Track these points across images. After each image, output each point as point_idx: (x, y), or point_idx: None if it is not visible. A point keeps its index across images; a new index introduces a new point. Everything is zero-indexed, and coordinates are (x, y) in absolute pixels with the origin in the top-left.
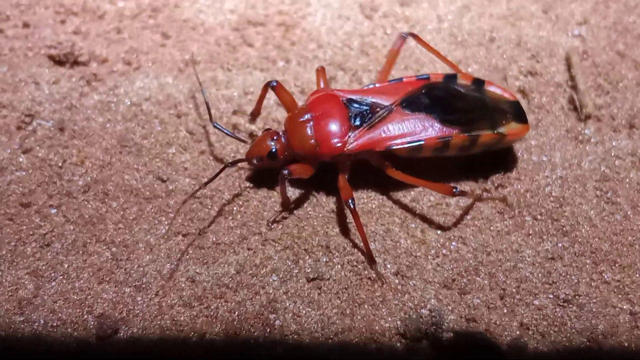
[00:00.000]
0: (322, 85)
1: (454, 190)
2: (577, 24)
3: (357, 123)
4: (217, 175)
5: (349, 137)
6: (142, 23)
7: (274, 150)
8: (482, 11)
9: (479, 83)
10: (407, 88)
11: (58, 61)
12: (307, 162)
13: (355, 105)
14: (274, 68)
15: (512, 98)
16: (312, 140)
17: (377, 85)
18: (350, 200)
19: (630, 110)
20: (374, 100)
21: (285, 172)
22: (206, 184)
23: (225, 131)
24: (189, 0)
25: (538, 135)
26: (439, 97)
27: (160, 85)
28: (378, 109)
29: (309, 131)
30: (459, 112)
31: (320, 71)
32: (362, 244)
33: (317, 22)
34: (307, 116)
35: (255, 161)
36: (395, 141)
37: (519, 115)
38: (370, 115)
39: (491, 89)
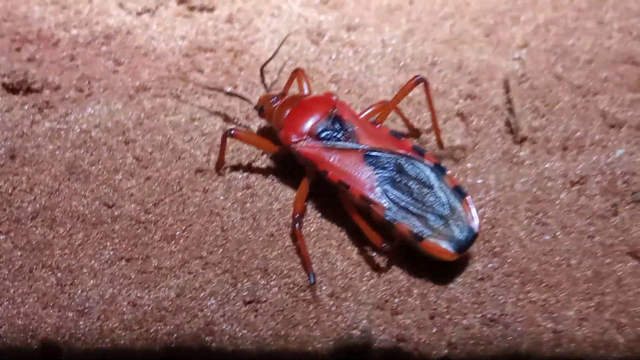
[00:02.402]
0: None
1: (383, 245)
2: (517, 47)
3: (322, 135)
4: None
5: (306, 139)
6: (95, 50)
7: (263, 107)
8: (425, 35)
9: (439, 170)
10: (391, 145)
11: (11, 89)
12: (274, 141)
13: (337, 123)
14: (221, 94)
15: (471, 222)
16: (282, 121)
17: (377, 125)
18: (297, 216)
19: (565, 132)
20: (355, 129)
21: (232, 131)
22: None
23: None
24: (141, 27)
25: (474, 159)
26: (400, 170)
27: (111, 111)
28: (349, 141)
29: (287, 112)
30: (404, 192)
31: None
32: (300, 266)
33: (265, 48)
34: (297, 103)
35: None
36: (333, 172)
37: (459, 243)
38: (337, 139)
39: (455, 192)
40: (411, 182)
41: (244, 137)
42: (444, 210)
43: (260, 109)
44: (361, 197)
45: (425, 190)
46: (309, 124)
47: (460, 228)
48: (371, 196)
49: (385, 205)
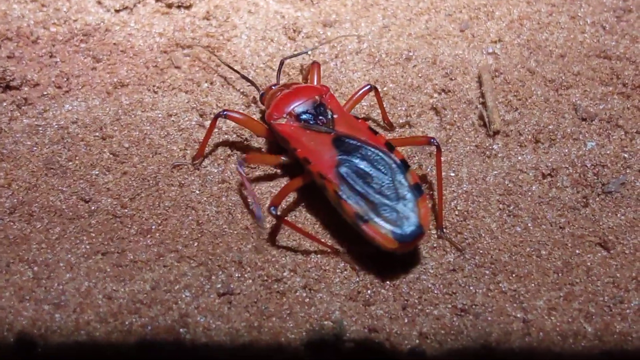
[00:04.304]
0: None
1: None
2: (491, 42)
3: (301, 116)
4: (280, 68)
5: (285, 118)
6: (74, 47)
7: (264, 93)
8: (401, 31)
9: (404, 166)
10: (364, 137)
11: None
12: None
13: (319, 108)
14: (198, 90)
15: (421, 220)
16: (271, 102)
17: (359, 119)
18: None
19: (537, 126)
20: (334, 117)
21: (224, 112)
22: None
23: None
24: (119, 25)
25: (447, 152)
26: (364, 158)
27: (89, 108)
28: (324, 126)
29: (278, 94)
30: (361, 178)
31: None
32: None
33: (242, 44)
34: (291, 88)
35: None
36: (301, 150)
37: (403, 234)
38: (314, 122)
39: (415, 191)
40: (372, 171)
41: (236, 118)
42: (398, 203)
43: (262, 95)
44: (318, 174)
45: (384, 181)
46: (291, 105)
47: (408, 222)
48: (328, 174)
49: (338, 183)
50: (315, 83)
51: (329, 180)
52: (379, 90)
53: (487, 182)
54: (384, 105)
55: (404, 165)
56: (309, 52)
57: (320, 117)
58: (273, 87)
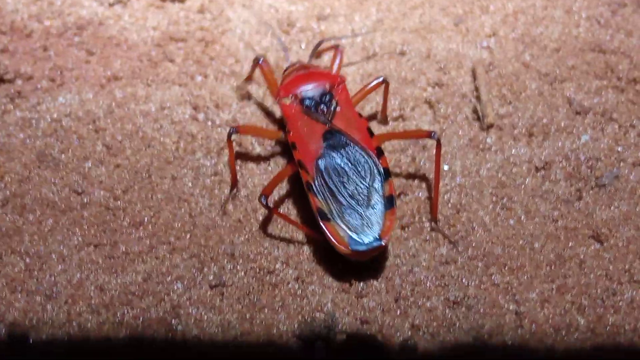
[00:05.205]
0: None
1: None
2: (486, 36)
3: (305, 101)
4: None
5: (290, 98)
6: (68, 41)
7: (285, 72)
8: (395, 25)
9: (385, 175)
10: (357, 136)
11: None
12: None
13: (325, 97)
14: (192, 83)
15: (382, 232)
16: (284, 82)
17: (362, 117)
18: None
19: (531, 119)
20: (337, 110)
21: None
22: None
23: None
24: (113, 18)
25: (441, 145)
26: (348, 158)
27: (82, 101)
28: (324, 116)
29: (293, 75)
30: (338, 175)
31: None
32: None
33: (236, 38)
34: (306, 71)
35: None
36: (293, 133)
37: (360, 244)
38: (315, 109)
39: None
40: (351, 172)
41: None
42: (367, 209)
43: (285, 70)
44: (299, 161)
45: (360, 185)
46: (299, 88)
47: (370, 231)
48: (307, 164)
49: (313, 176)
50: (335, 69)
51: (305, 171)
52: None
53: (481, 175)
54: (377, 101)
55: (385, 174)
56: (348, 37)
57: (322, 106)
58: (294, 65)
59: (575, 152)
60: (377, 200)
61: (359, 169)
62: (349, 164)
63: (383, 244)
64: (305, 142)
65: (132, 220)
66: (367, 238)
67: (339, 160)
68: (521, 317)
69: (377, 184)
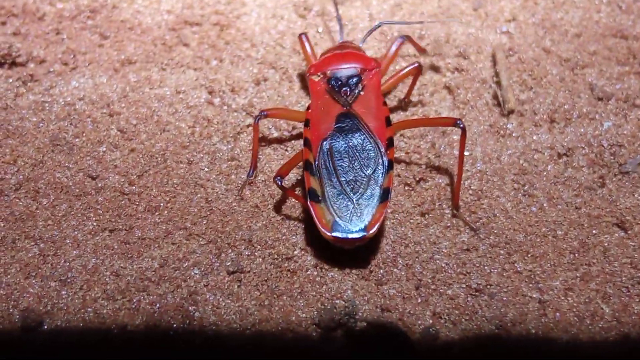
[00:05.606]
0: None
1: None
2: (505, 21)
3: (331, 81)
4: (371, 31)
5: (319, 75)
6: (81, 24)
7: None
8: (413, 9)
9: (388, 167)
10: (372, 124)
11: None
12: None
13: (353, 79)
14: (207, 67)
15: (369, 223)
16: (320, 58)
17: (384, 105)
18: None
19: (552, 105)
20: (361, 94)
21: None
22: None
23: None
24: (126, 1)
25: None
26: (354, 144)
27: (95, 85)
28: (345, 97)
29: (331, 52)
30: (340, 159)
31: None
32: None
33: (252, 22)
34: (339, 51)
35: None
36: (312, 110)
37: (343, 230)
38: (338, 89)
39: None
40: (354, 159)
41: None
42: (360, 197)
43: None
44: (305, 139)
45: (361, 174)
46: (330, 67)
47: (358, 220)
48: (313, 143)
49: (315, 155)
50: (389, 55)
51: (309, 149)
52: None
53: (502, 162)
54: (399, 89)
55: (389, 167)
56: (409, 23)
57: (345, 88)
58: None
59: (597, 138)
60: (374, 191)
61: (363, 157)
62: (354, 150)
63: (367, 235)
64: (319, 121)
65: (147, 205)
66: (354, 227)
67: (344, 145)
68: (545, 306)
69: (378, 175)
